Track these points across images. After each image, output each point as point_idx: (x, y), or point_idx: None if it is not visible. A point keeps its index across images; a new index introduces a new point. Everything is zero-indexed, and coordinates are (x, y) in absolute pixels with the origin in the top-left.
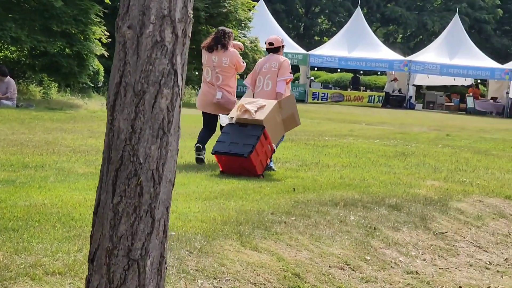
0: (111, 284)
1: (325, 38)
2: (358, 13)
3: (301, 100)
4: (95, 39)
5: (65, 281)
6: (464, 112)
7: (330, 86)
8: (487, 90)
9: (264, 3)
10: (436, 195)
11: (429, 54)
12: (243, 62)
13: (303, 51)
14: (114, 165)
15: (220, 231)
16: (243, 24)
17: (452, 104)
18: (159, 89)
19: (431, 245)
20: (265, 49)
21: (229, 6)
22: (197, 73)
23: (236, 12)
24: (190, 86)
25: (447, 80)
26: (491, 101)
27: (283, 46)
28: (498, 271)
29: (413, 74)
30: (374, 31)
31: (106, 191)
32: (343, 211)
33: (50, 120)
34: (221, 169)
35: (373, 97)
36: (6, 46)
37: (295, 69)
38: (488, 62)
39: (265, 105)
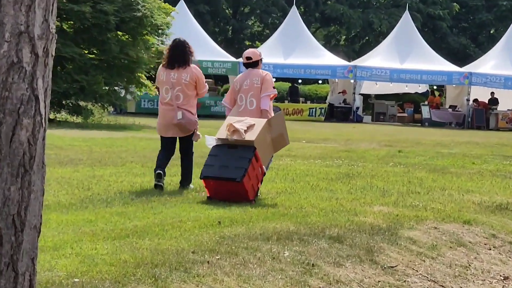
0: None
1: (257, 42)
2: (294, 13)
3: None
4: None
5: None
6: (420, 124)
7: None
8: (445, 97)
9: (184, 3)
10: (385, 223)
11: (377, 58)
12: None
13: (232, 58)
14: None
15: (132, 275)
16: (160, 30)
17: (405, 115)
18: (18, 119)
19: (379, 281)
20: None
21: (144, 10)
22: (106, 88)
23: (152, 17)
24: (99, 104)
25: (399, 88)
26: (450, 110)
27: (261, 60)
28: None
29: (359, 82)
30: (313, 33)
31: None
32: (276, 246)
33: None
34: (208, 195)
35: (314, 110)
36: None
37: (223, 79)
38: (444, 65)
39: (254, 124)
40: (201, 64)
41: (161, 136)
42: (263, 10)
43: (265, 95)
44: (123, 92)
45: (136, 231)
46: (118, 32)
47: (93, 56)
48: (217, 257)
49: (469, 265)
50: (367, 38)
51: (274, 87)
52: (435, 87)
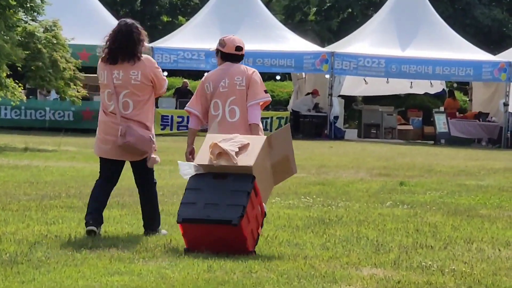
0: None
1: (180, 18)
2: None
3: None
4: None
5: None
6: (432, 141)
7: None
8: (470, 100)
9: None
10: None
11: (365, 41)
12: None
13: None
14: None
15: None
16: (29, 4)
17: (410, 127)
18: None
19: None
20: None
21: None
22: None
23: None
24: None
25: (400, 86)
26: (479, 120)
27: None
28: None
29: (339, 77)
30: (267, 4)
31: None
32: None
33: None
34: (186, 246)
35: (269, 120)
36: None
37: None
38: (470, 52)
39: (248, 143)
40: (94, 52)
41: (101, 159)
42: None
43: (254, 103)
44: None
45: None
46: None
47: None
48: None
49: None
50: (349, 10)
51: (266, 91)
52: (455, 85)
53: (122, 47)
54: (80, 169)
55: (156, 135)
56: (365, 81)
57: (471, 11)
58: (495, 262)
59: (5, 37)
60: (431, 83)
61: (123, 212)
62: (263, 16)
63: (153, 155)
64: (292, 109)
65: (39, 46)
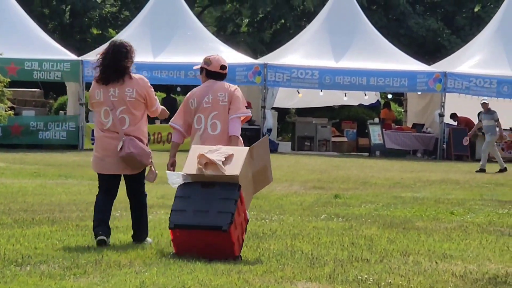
0: None
1: (110, 30)
2: None
3: (74, 145)
4: None
5: None
6: (367, 154)
7: None
8: (405, 111)
9: None
10: None
11: (299, 52)
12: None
13: (72, 56)
14: None
15: None
16: None
17: (344, 139)
18: None
19: None
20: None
21: None
22: None
23: None
24: None
25: (334, 98)
26: (413, 131)
27: None
28: None
29: (272, 89)
30: (198, 15)
31: None
32: None
33: None
34: (175, 251)
35: None
36: None
37: (57, 88)
38: (404, 62)
39: (232, 154)
40: (23, 66)
41: (99, 175)
42: None
43: (235, 117)
44: None
45: None
46: None
47: None
48: None
49: None
50: (282, 21)
51: (247, 106)
52: (390, 96)
53: (112, 67)
54: (9, 185)
55: None
56: (299, 92)
57: (406, 21)
58: (432, 275)
59: None
60: (365, 94)
61: (53, 228)
62: (195, 28)
63: (153, 168)
64: None
65: None
